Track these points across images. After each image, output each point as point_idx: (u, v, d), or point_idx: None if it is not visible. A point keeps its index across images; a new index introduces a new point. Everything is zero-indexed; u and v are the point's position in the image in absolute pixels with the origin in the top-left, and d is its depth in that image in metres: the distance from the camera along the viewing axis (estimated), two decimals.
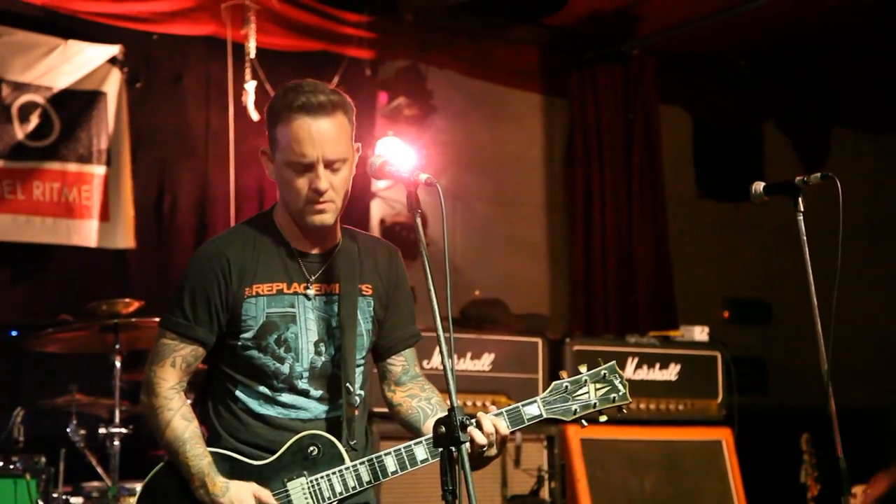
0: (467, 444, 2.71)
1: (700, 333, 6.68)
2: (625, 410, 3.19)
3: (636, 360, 6.36)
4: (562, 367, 5.94)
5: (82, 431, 5.16)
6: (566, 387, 3.12)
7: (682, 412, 6.44)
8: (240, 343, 3.05)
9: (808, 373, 3.58)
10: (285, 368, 3.06)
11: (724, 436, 6.46)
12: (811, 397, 3.63)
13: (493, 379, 6.00)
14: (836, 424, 3.32)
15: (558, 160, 8.46)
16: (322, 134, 2.95)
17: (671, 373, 6.44)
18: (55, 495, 4.93)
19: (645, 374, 6.37)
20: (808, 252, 3.43)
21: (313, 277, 3.10)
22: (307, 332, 3.08)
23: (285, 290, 3.06)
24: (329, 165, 2.99)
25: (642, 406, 6.33)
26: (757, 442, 6.95)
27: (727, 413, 6.52)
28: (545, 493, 5.97)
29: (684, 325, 6.85)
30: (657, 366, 6.41)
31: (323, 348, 3.09)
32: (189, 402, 3.12)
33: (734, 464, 6.43)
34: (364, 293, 3.16)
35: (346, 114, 3.02)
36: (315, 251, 3.12)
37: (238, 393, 3.08)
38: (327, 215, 3.04)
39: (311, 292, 3.08)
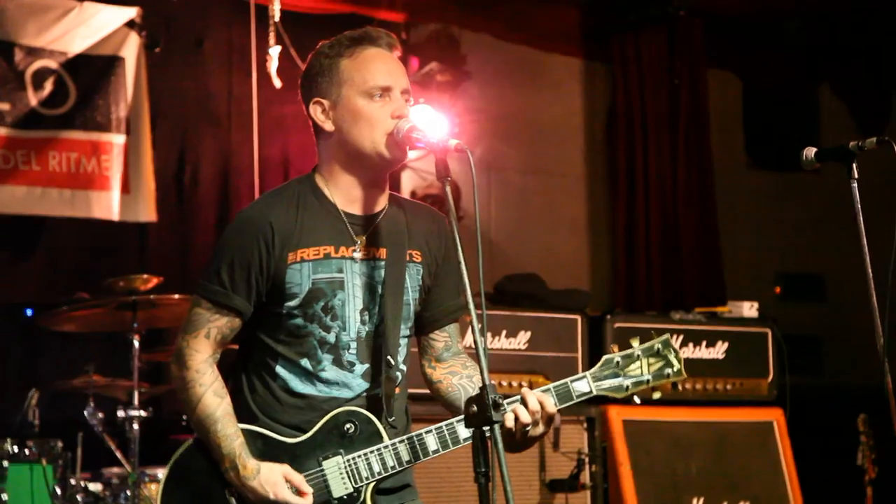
0: (508, 420, 2.76)
1: (749, 309, 6.47)
2: (680, 388, 3.09)
3: (681, 337, 6.16)
4: (602, 345, 5.82)
5: (100, 415, 5.14)
6: (617, 361, 3.02)
7: (730, 392, 6.25)
8: (284, 311, 2.92)
9: (865, 351, 3.52)
10: (331, 338, 2.94)
11: (775, 416, 6.26)
12: (868, 377, 3.56)
13: (530, 358, 5.82)
14: (894, 402, 3.20)
15: (599, 128, 8.40)
16: (395, 65, 2.96)
17: (718, 351, 6.24)
18: (73, 482, 4.90)
19: (690, 352, 6.19)
20: (862, 223, 3.28)
21: (360, 241, 2.96)
22: (354, 298, 2.95)
23: (333, 254, 2.95)
24: (403, 97, 2.95)
25: (688, 386, 6.14)
26: (811, 423, 6.81)
27: (778, 393, 6.32)
28: (585, 478, 5.78)
29: (732, 301, 6.65)
30: (703, 343, 6.21)
31: (367, 317, 2.97)
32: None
33: (786, 446, 6.24)
34: (414, 259, 3.04)
35: None
36: (362, 213, 2.99)
37: (278, 369, 2.96)
38: None
39: (357, 255, 2.96)
